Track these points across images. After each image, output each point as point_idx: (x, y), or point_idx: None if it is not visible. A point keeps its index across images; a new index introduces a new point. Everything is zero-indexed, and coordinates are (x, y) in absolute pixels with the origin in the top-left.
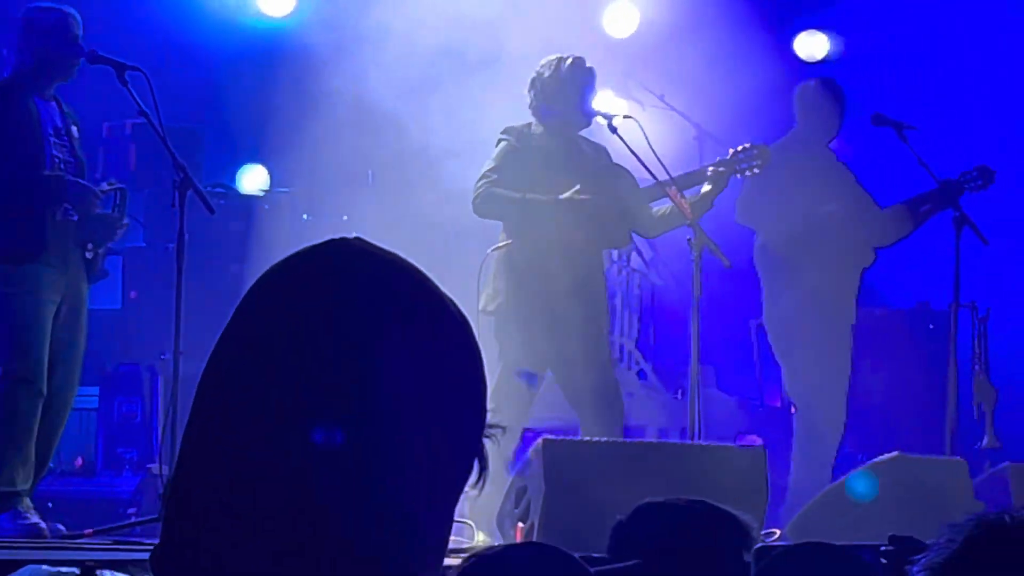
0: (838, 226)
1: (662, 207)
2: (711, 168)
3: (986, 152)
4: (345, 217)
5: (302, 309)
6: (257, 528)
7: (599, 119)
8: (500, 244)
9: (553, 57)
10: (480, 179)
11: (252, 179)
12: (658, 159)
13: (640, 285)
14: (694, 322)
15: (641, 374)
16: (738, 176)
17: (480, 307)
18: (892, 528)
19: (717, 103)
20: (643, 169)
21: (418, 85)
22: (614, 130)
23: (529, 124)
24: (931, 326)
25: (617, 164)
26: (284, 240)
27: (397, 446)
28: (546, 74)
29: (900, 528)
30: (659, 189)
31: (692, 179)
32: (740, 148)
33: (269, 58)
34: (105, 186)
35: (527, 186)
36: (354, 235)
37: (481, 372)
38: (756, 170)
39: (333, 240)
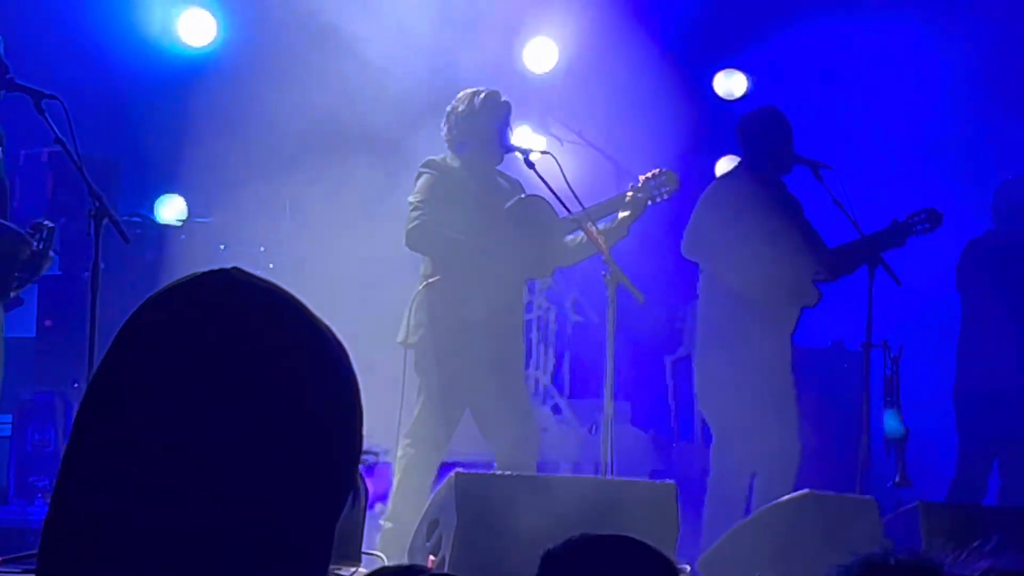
0: (782, 263)
1: (577, 236)
2: (624, 196)
3: (897, 192)
4: (262, 248)
5: (178, 340)
6: (131, 554)
7: (516, 154)
8: (428, 280)
9: (468, 91)
10: (412, 210)
11: (170, 209)
12: (574, 195)
13: (557, 320)
14: (609, 358)
15: (556, 409)
16: (650, 203)
17: (401, 339)
18: (802, 565)
19: (635, 140)
20: (559, 205)
21: (334, 115)
22: (531, 165)
23: (446, 157)
24: (844, 365)
25: (533, 195)
26: (201, 270)
27: (271, 472)
28: (460, 108)
29: (810, 565)
30: (574, 224)
31: (605, 209)
32: (650, 174)
33: (189, 87)
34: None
35: (451, 219)
36: (232, 266)
37: (357, 400)
38: (666, 195)
39: (212, 271)
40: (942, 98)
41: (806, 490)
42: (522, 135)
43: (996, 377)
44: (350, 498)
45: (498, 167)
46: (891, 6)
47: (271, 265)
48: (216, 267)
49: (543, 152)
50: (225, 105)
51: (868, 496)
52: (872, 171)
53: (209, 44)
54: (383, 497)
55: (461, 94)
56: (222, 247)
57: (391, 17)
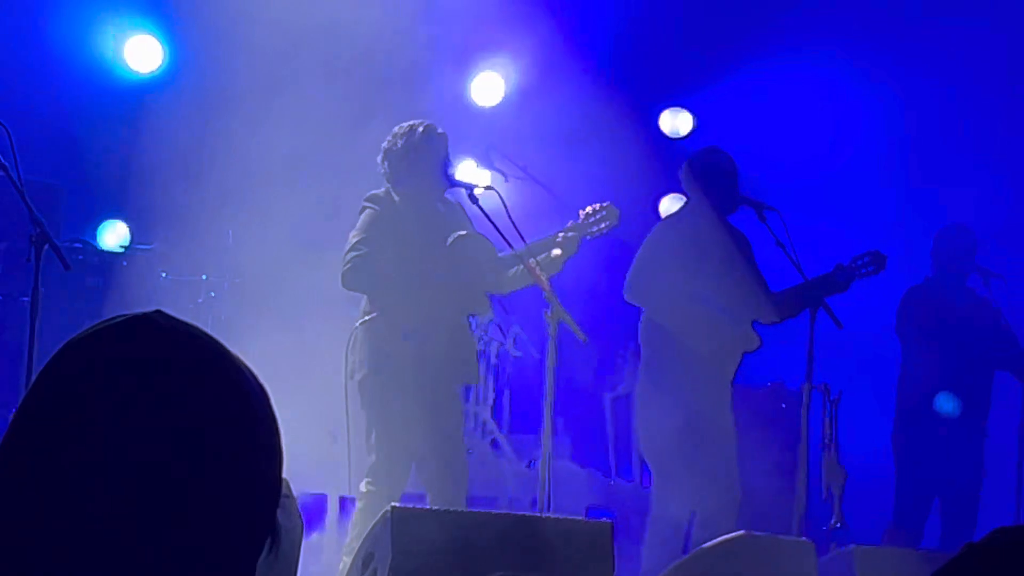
0: (724, 308)
1: (517, 267)
2: (562, 233)
3: (839, 235)
4: (204, 276)
5: (99, 387)
6: None
7: (460, 190)
8: (365, 317)
9: (404, 126)
10: (349, 250)
11: (112, 235)
12: (517, 231)
13: (498, 355)
14: (548, 395)
15: (495, 444)
16: (588, 237)
17: (345, 377)
18: None
19: (579, 175)
20: (502, 240)
21: (280, 145)
22: (475, 200)
23: (389, 190)
24: (783, 405)
25: (478, 233)
26: (142, 297)
27: (190, 514)
28: (399, 144)
29: None
30: (516, 259)
31: (547, 245)
32: (590, 209)
33: (134, 113)
34: None
35: (393, 255)
36: (155, 308)
37: (277, 442)
38: (605, 230)
39: (137, 316)
40: (883, 144)
41: (741, 531)
42: (466, 169)
43: (934, 422)
44: (269, 541)
45: (442, 196)
46: (837, 56)
47: (212, 293)
48: (157, 294)
49: (486, 187)
50: (170, 131)
51: (804, 538)
52: (815, 214)
53: (155, 70)
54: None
55: (397, 129)
56: (163, 274)
57: (337, 46)
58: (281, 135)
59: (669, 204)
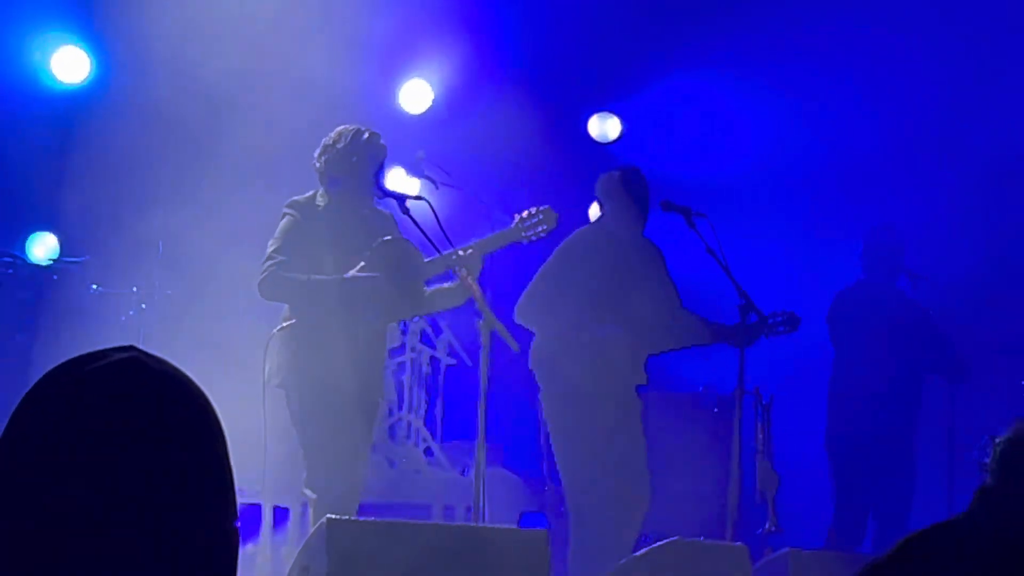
0: (622, 325)
1: (439, 286)
2: (460, 251)
3: (770, 239)
4: (135, 288)
5: (80, 418)
6: None
7: (391, 200)
8: (284, 324)
9: (350, 128)
10: (265, 260)
11: (41, 247)
12: (448, 240)
13: (430, 362)
14: (482, 404)
15: (428, 452)
16: (524, 242)
17: (265, 380)
18: None
19: (510, 181)
20: (434, 250)
21: (212, 153)
22: (406, 211)
23: (314, 195)
24: (716, 410)
25: (401, 238)
26: (72, 310)
27: (165, 534)
28: (340, 145)
29: None
30: (442, 263)
31: (445, 261)
32: (526, 213)
33: (62, 124)
34: None
35: (311, 263)
36: (129, 344)
37: (229, 464)
38: (543, 234)
39: (115, 351)
40: (813, 148)
41: (675, 537)
42: (396, 178)
43: (865, 424)
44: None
45: (372, 204)
46: (765, 62)
47: (143, 305)
48: (84, 307)
49: (417, 197)
50: (98, 142)
51: (738, 543)
52: (745, 218)
53: (83, 81)
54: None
55: (342, 129)
56: (94, 287)
57: (264, 55)
58: (209, 143)
59: (598, 210)
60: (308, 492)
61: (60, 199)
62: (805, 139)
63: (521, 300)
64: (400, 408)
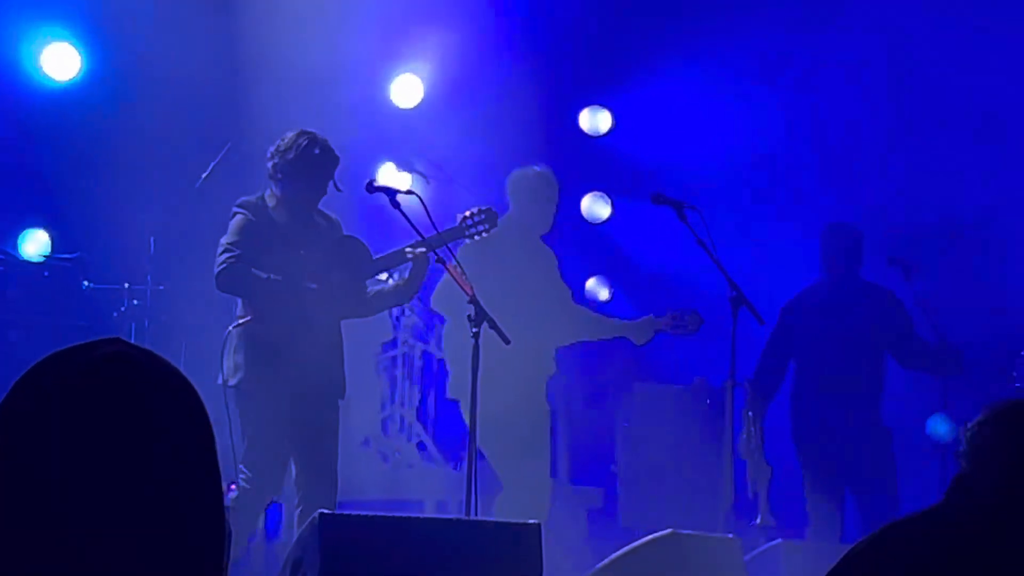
0: (523, 323)
1: (382, 287)
2: (410, 249)
3: (762, 229)
4: (126, 284)
5: (69, 409)
6: None
7: (382, 195)
8: (240, 321)
9: (304, 138)
10: (222, 252)
11: (33, 244)
12: (439, 234)
13: (422, 357)
14: (473, 397)
15: (421, 446)
16: (467, 240)
17: (221, 381)
18: None
19: (500, 176)
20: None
21: (203, 149)
22: (397, 206)
23: (263, 196)
24: (707, 402)
25: (351, 236)
26: (64, 307)
27: (158, 516)
28: (291, 155)
29: None
30: (391, 260)
31: (395, 258)
32: (468, 213)
33: (54, 121)
34: None
35: (262, 261)
36: (116, 336)
37: (215, 451)
38: (484, 233)
39: (102, 343)
40: (806, 141)
41: (668, 530)
42: (387, 172)
43: (827, 415)
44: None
45: (319, 206)
46: (758, 55)
47: (135, 302)
48: (75, 304)
49: (407, 192)
50: (90, 139)
51: (731, 535)
52: (736, 211)
53: (73, 78)
54: None
55: (296, 137)
56: (85, 283)
57: (256, 51)
58: (202, 141)
59: (590, 203)
60: (239, 485)
61: (52, 196)
62: (798, 131)
63: (436, 288)
64: (393, 402)
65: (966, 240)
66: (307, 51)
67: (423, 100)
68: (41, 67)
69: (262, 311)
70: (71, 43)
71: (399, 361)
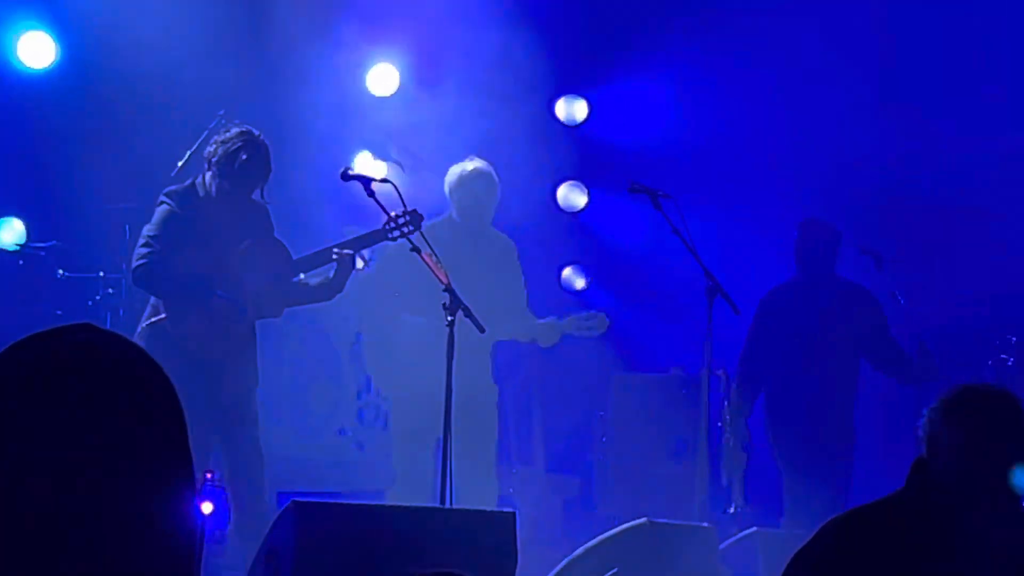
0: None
1: (305, 280)
2: (336, 248)
3: (740, 218)
4: (101, 273)
5: (38, 392)
6: None
7: (357, 183)
8: (153, 318)
9: (239, 139)
10: (141, 246)
11: (8, 233)
12: (414, 224)
13: None
14: (448, 388)
15: None
16: (389, 240)
17: None
18: None
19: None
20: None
21: (180, 138)
22: (371, 194)
23: (193, 185)
24: (684, 391)
25: (272, 238)
26: (39, 296)
27: (126, 498)
28: (232, 148)
29: None
30: (317, 259)
31: (320, 258)
32: (393, 214)
33: (29, 109)
34: None
35: (187, 254)
36: (85, 322)
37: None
38: (408, 235)
39: (70, 328)
40: (783, 129)
41: (644, 518)
42: (362, 161)
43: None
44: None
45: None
46: (736, 43)
47: (110, 290)
48: (51, 292)
49: (382, 180)
50: (65, 127)
51: (706, 524)
52: (711, 200)
53: (48, 66)
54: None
55: (235, 133)
56: (60, 272)
57: (232, 39)
58: (178, 130)
59: (566, 192)
60: None
61: (27, 185)
62: (777, 120)
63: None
64: (368, 392)
65: (943, 228)
66: (284, 38)
67: (399, 89)
68: (17, 55)
69: (175, 310)
70: (46, 31)
71: None
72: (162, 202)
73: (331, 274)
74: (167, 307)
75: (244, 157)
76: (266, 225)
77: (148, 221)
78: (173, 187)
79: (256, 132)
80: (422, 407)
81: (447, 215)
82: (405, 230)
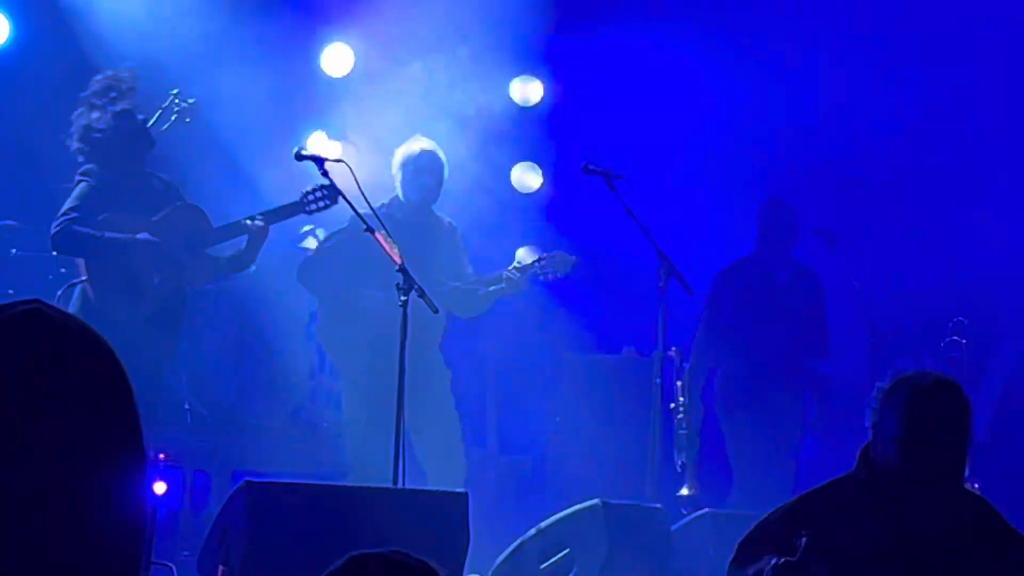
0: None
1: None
2: (282, 208)
3: (692, 198)
4: (54, 252)
5: None
6: None
7: (311, 163)
8: (77, 280)
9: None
10: (61, 215)
11: None
12: (368, 203)
13: None
14: (400, 370)
15: None
16: (305, 213)
17: None
18: (593, 574)
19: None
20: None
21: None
22: (325, 174)
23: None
24: (636, 372)
25: (190, 204)
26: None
27: (83, 471)
28: (103, 124)
29: (602, 575)
30: (232, 231)
31: (267, 219)
32: (310, 188)
33: None
34: None
35: (104, 219)
36: (34, 298)
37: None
38: (323, 208)
39: (19, 304)
40: (734, 114)
41: (597, 499)
42: (316, 141)
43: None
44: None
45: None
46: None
47: (63, 269)
48: (3, 271)
49: (336, 160)
50: (18, 106)
51: (657, 504)
52: (661, 182)
53: (2, 45)
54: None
55: (98, 116)
56: (13, 251)
57: (190, 19)
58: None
59: (520, 173)
60: None
61: None
62: (733, 101)
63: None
64: (321, 371)
65: (898, 209)
66: (237, 18)
67: (353, 69)
68: None
69: (97, 272)
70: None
71: None
72: (80, 180)
73: (243, 246)
74: (86, 269)
75: (106, 141)
76: (174, 194)
77: None
78: (89, 166)
79: (125, 109)
80: (383, 386)
81: (394, 195)
82: (321, 204)
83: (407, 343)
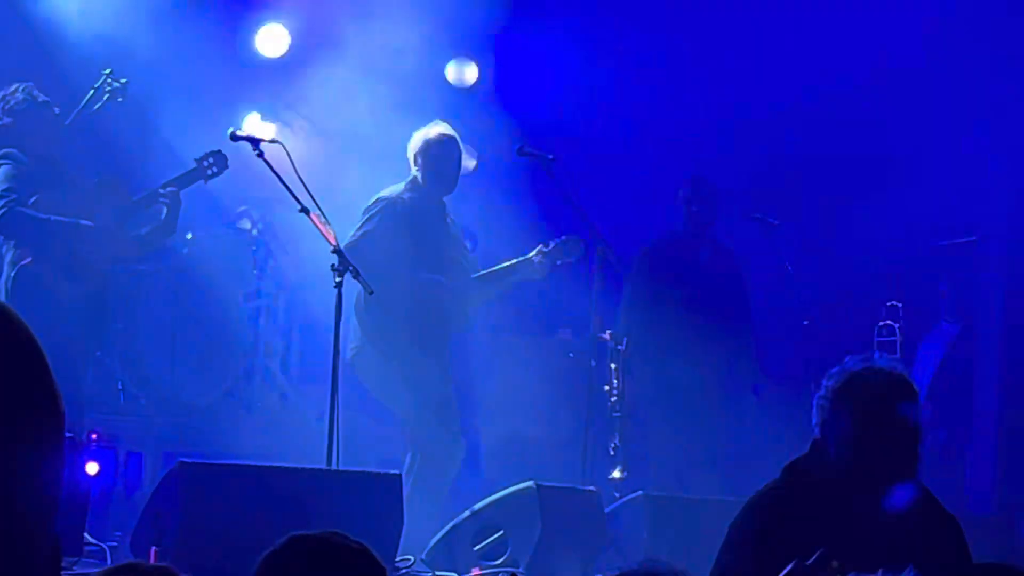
0: (437, 292)
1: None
2: (185, 175)
3: (625, 181)
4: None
5: None
6: None
7: (247, 144)
8: (21, 262)
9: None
10: None
11: None
12: (303, 184)
13: (286, 308)
14: (335, 348)
15: (283, 396)
16: (205, 180)
17: None
18: (527, 556)
19: (365, 125)
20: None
21: (65, 97)
22: (260, 155)
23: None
24: (570, 355)
25: (109, 177)
26: None
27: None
28: (22, 101)
29: (534, 555)
30: (148, 200)
31: (177, 185)
32: (203, 155)
33: None
34: None
35: (40, 196)
36: None
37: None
38: (218, 174)
39: None
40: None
41: (530, 481)
42: (251, 122)
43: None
44: None
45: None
46: (609, 12)
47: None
48: None
49: (271, 141)
50: None
51: (591, 487)
52: (603, 164)
53: None
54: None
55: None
56: None
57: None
58: (61, 89)
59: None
60: None
61: None
62: (667, 84)
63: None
64: (257, 352)
65: (832, 193)
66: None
67: (289, 49)
68: None
69: (41, 252)
70: None
71: (262, 311)
72: (2, 163)
73: (162, 216)
74: (30, 251)
75: (28, 118)
76: (92, 171)
77: None
78: (9, 148)
79: (31, 96)
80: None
81: (410, 180)
82: (215, 169)
83: (340, 323)
